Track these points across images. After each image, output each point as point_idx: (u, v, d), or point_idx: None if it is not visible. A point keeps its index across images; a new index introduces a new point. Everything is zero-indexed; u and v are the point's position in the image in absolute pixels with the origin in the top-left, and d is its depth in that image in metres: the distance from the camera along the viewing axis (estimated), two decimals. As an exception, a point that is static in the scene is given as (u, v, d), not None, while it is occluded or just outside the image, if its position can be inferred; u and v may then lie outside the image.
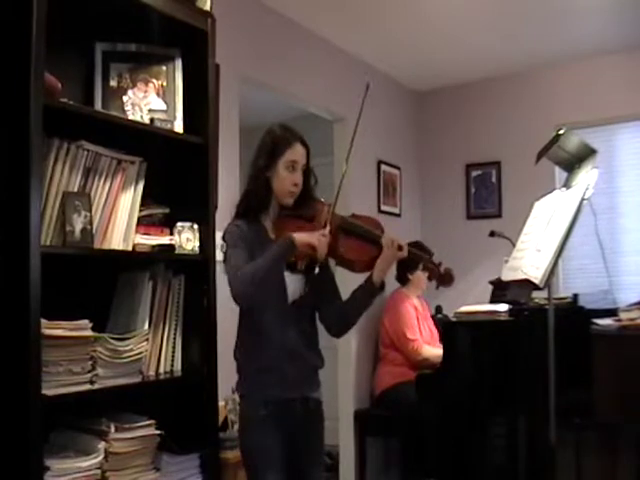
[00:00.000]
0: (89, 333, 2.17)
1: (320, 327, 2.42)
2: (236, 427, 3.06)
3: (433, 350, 4.38)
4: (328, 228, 2.22)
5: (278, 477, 2.24)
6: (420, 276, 4.64)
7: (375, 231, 2.37)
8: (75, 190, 2.22)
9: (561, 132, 2.95)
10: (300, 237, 2.17)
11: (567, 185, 2.95)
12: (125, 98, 2.54)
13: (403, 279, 4.67)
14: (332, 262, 2.40)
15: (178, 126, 2.59)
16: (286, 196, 2.33)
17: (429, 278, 2.40)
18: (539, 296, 3.52)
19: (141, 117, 2.54)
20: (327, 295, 2.40)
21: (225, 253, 2.28)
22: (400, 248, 2.29)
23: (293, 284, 2.30)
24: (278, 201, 2.34)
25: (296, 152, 2.32)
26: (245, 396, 2.33)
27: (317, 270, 2.23)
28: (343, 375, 4.70)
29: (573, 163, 3.00)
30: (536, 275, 2.68)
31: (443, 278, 2.37)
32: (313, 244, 2.17)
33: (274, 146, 2.32)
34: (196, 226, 2.56)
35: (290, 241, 2.16)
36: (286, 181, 2.31)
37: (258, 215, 2.35)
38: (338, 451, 4.74)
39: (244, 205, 2.36)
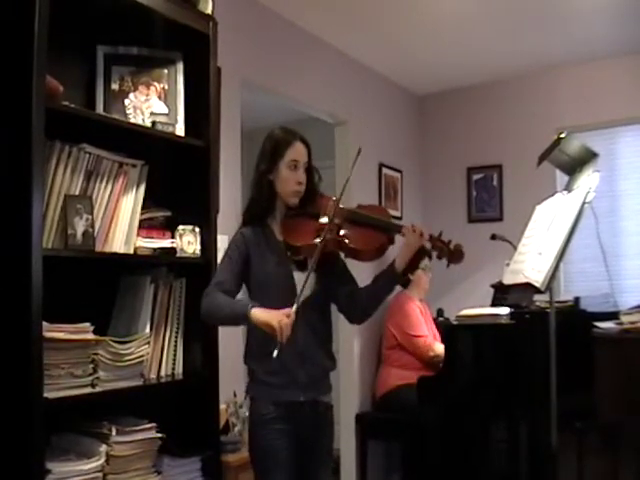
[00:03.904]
0: (90, 336, 2.17)
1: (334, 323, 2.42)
2: (237, 430, 3.07)
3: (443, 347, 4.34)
4: (295, 308, 2.08)
5: (286, 479, 2.24)
6: (421, 276, 4.63)
7: (382, 218, 2.37)
8: (77, 193, 2.22)
9: (562, 135, 2.95)
10: (257, 315, 2.09)
11: (568, 188, 2.96)
12: (127, 101, 2.54)
13: (404, 281, 4.66)
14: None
15: (179, 129, 2.60)
16: (291, 196, 2.32)
17: (439, 257, 2.34)
18: (540, 299, 3.53)
19: (143, 120, 2.55)
20: (342, 285, 2.38)
21: None
22: (422, 234, 2.27)
23: (303, 282, 2.26)
24: (284, 202, 2.34)
25: (297, 151, 2.32)
26: (255, 398, 2.33)
27: (275, 353, 2.02)
28: (345, 378, 4.69)
29: (574, 166, 3.01)
30: (537, 278, 2.68)
31: (453, 255, 2.32)
32: (271, 325, 2.05)
33: (274, 148, 2.32)
34: (197, 229, 2.56)
35: (245, 313, 2.11)
36: (290, 181, 2.30)
37: (265, 219, 2.35)
38: (339, 454, 4.72)
39: (250, 212, 2.36)
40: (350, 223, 2.32)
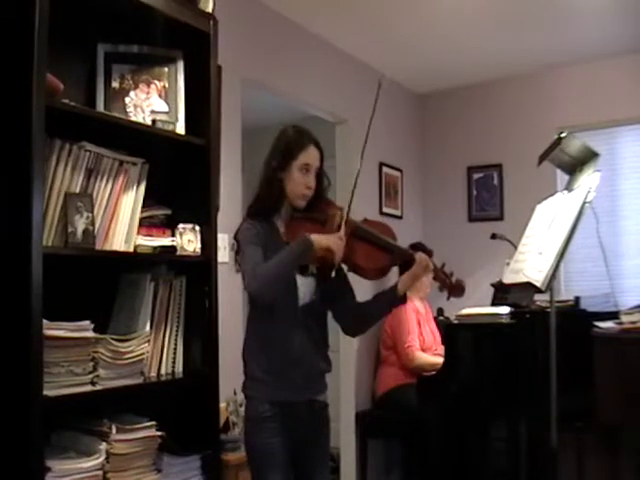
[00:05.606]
0: (90, 334, 2.17)
1: (330, 329, 2.42)
2: (237, 429, 3.07)
3: (427, 358, 4.37)
4: (343, 230, 2.22)
5: (282, 478, 2.24)
6: (423, 280, 4.62)
7: (388, 239, 2.37)
8: (77, 191, 2.21)
9: (563, 135, 2.95)
10: (319, 240, 2.17)
11: (569, 188, 2.96)
12: (127, 99, 2.54)
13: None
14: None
15: (180, 127, 2.60)
16: (299, 198, 2.32)
17: (440, 289, 2.40)
18: (541, 299, 3.53)
19: (143, 118, 2.54)
20: (341, 295, 2.40)
21: (237, 252, 2.30)
22: (429, 269, 2.32)
23: (304, 287, 2.29)
24: (290, 203, 2.33)
25: (310, 155, 2.31)
26: (250, 397, 2.33)
27: (333, 274, 2.23)
28: (344, 377, 4.69)
29: (575, 166, 3.01)
30: (538, 278, 2.68)
31: (454, 289, 2.38)
32: (331, 248, 2.17)
33: (288, 148, 2.30)
34: (198, 227, 2.56)
35: (309, 242, 2.16)
36: (299, 184, 2.30)
37: (270, 216, 2.34)
38: (339, 453, 4.73)
39: (256, 206, 2.34)
40: (356, 238, 2.31)
